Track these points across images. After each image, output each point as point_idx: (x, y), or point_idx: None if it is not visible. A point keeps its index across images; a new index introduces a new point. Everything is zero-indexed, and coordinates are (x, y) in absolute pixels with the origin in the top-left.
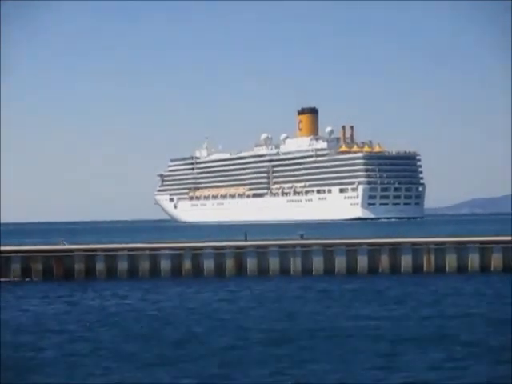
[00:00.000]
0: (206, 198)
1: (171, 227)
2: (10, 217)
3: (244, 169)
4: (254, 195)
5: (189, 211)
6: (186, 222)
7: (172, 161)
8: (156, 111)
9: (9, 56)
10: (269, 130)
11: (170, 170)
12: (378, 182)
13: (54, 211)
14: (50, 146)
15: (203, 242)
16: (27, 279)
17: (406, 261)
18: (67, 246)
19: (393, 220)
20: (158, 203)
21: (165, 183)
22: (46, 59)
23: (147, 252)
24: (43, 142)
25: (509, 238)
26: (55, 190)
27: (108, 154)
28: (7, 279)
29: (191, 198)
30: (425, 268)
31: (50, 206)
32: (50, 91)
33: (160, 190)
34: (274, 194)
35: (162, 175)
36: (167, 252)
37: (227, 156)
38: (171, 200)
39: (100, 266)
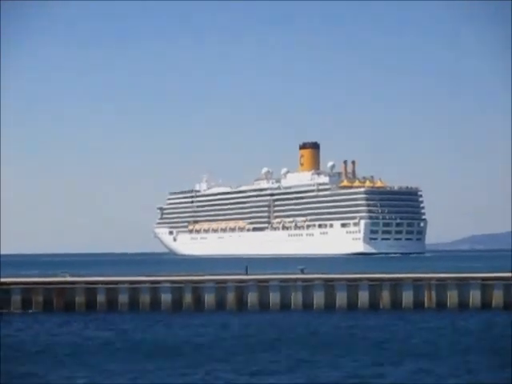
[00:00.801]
0: (206, 231)
1: (171, 260)
2: (7, 248)
3: (244, 202)
4: (255, 229)
5: (188, 244)
6: (185, 255)
7: (171, 194)
8: (155, 144)
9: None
10: (269, 164)
11: (170, 203)
12: (380, 217)
13: (52, 243)
14: (49, 178)
15: (204, 275)
16: (29, 311)
17: (407, 297)
18: (68, 279)
19: (394, 255)
20: (157, 236)
21: (164, 216)
22: (43, 66)
23: (148, 285)
24: (42, 176)
25: (510, 275)
26: (52, 222)
27: (107, 187)
28: (7, 311)
29: (190, 232)
30: (426, 304)
31: (47, 238)
32: (43, 120)
33: (159, 223)
34: (275, 228)
35: (161, 208)
36: (168, 285)
37: (227, 189)
38: (170, 233)
39: (101, 298)
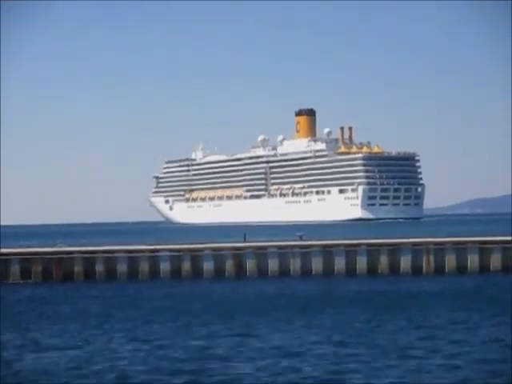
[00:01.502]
0: (202, 199)
1: (168, 229)
2: (7, 219)
3: (241, 170)
4: (251, 197)
5: (185, 213)
6: (181, 224)
7: (167, 163)
8: (151, 113)
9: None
10: (265, 131)
11: (165, 172)
12: (378, 182)
13: (47, 213)
14: (46, 149)
15: (202, 243)
16: (28, 281)
17: (405, 261)
18: (66, 248)
19: (392, 220)
20: (152, 205)
21: (160, 185)
22: (42, 61)
23: (146, 254)
24: (40, 145)
25: (508, 238)
26: (49, 192)
27: (102, 156)
28: (6, 281)
29: (187, 200)
30: (424, 268)
31: (44, 208)
32: (47, 92)
33: (155, 192)
34: (272, 196)
35: (157, 177)
36: (166, 254)
37: (223, 158)
38: (166, 202)
39: (99, 267)
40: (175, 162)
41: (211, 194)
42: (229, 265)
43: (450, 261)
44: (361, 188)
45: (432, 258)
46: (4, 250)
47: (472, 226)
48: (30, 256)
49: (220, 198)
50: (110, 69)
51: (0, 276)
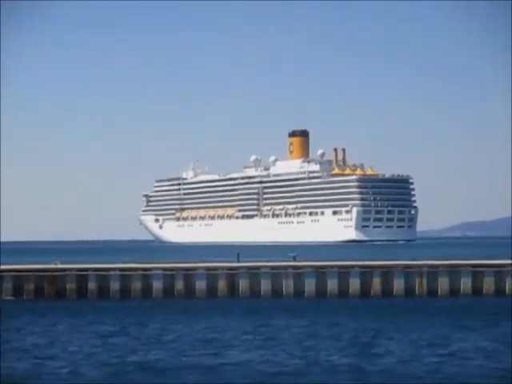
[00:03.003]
0: (193, 218)
1: (158, 247)
2: None
3: (233, 190)
4: (244, 216)
5: (175, 232)
6: (171, 243)
7: (157, 181)
8: (142, 131)
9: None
10: (257, 152)
11: (156, 191)
12: (372, 204)
13: (35, 231)
14: (35, 165)
15: (195, 262)
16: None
17: (398, 283)
18: (59, 266)
19: (385, 242)
20: (142, 223)
21: (150, 204)
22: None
23: (139, 272)
24: (28, 161)
25: (501, 262)
26: (38, 210)
27: (92, 174)
28: None
29: (177, 219)
30: (417, 291)
31: (32, 225)
32: (37, 107)
33: (145, 211)
34: (265, 216)
35: (147, 195)
36: (159, 272)
37: (215, 177)
38: (156, 220)
39: (92, 285)
40: (166, 180)
41: (202, 213)
42: (221, 284)
43: (443, 283)
44: (355, 210)
45: (425, 280)
46: None
47: (464, 249)
48: (23, 273)
49: (211, 217)
50: (101, 86)
51: None
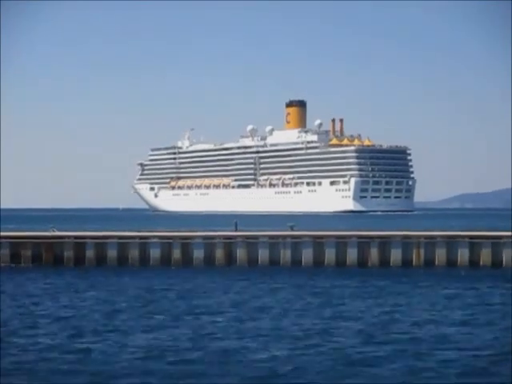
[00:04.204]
0: (189, 187)
1: (154, 216)
2: None
3: (229, 160)
4: (240, 186)
5: (170, 200)
6: (167, 212)
7: (153, 150)
8: (138, 100)
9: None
10: (253, 122)
11: (151, 160)
12: (370, 175)
13: (31, 198)
14: (32, 134)
15: (193, 231)
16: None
17: (395, 254)
18: (57, 233)
19: (383, 213)
20: (136, 192)
21: (145, 172)
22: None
23: (137, 240)
24: (27, 129)
25: (498, 234)
26: (34, 177)
27: (88, 142)
28: None
29: (173, 188)
30: (414, 262)
31: (27, 194)
32: (37, 80)
33: (140, 179)
34: (261, 186)
35: (142, 164)
36: (157, 241)
37: (211, 147)
38: (152, 189)
39: (90, 253)
40: (161, 149)
41: (198, 182)
42: (219, 253)
43: (440, 254)
44: (353, 180)
45: (422, 251)
46: None
47: (462, 220)
48: (21, 240)
49: (207, 186)
50: (99, 56)
51: None
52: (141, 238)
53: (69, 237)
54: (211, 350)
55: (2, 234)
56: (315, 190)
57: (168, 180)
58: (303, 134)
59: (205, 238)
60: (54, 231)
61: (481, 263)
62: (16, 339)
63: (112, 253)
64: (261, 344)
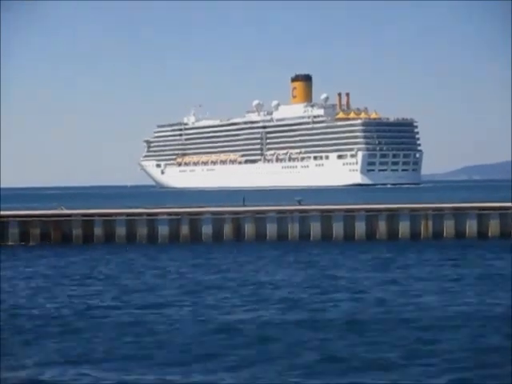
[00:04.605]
0: (195, 164)
1: (161, 193)
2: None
3: (236, 135)
4: (247, 161)
5: (177, 177)
6: (173, 188)
7: (159, 127)
8: (143, 77)
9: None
10: (259, 97)
11: (157, 136)
12: (377, 148)
13: (38, 177)
14: (36, 112)
15: (201, 207)
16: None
17: (403, 227)
18: (65, 211)
19: (391, 186)
20: (143, 169)
21: (151, 149)
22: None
23: (145, 217)
24: (32, 107)
25: (507, 205)
26: (39, 156)
27: (93, 119)
28: (5, 244)
29: (179, 164)
30: (422, 234)
31: (33, 172)
32: (42, 61)
33: (146, 156)
34: (268, 160)
35: (148, 141)
36: (165, 217)
37: (217, 122)
38: (158, 166)
39: (98, 231)
40: (167, 126)
41: (204, 158)
42: (227, 229)
43: (449, 226)
44: (360, 153)
45: (430, 223)
46: (2, 213)
47: (470, 192)
48: (29, 218)
49: (214, 162)
50: (104, 32)
51: None
52: (149, 214)
53: (76, 214)
54: None
55: (10, 212)
56: (322, 164)
57: (174, 157)
58: (309, 109)
59: (213, 213)
60: (62, 209)
61: (489, 234)
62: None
63: (120, 230)
64: None
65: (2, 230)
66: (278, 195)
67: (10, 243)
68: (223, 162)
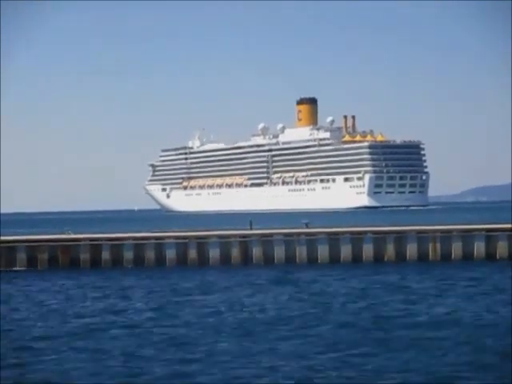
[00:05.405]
0: (201, 187)
1: (167, 217)
2: (3, 207)
3: (242, 158)
4: (252, 185)
5: (183, 201)
6: (179, 212)
7: (163, 151)
8: (148, 101)
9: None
10: (263, 120)
11: (162, 160)
12: (384, 170)
13: (43, 202)
14: (43, 137)
15: (208, 230)
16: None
17: (411, 249)
18: (73, 236)
19: (398, 208)
20: (148, 193)
21: (156, 173)
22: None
23: (152, 241)
24: (38, 132)
25: None
26: (45, 181)
27: (97, 144)
28: (12, 268)
29: (185, 188)
30: (430, 256)
31: (40, 196)
32: (45, 83)
33: (151, 180)
34: (274, 184)
35: (153, 165)
36: (172, 241)
37: (222, 146)
38: (163, 190)
39: (106, 255)
40: (172, 150)
41: (210, 182)
42: (235, 252)
43: (457, 248)
44: (367, 176)
45: (438, 245)
46: (10, 238)
47: (477, 213)
48: (37, 243)
49: (219, 186)
50: (108, 55)
51: (6, 263)
52: (156, 238)
53: (84, 239)
54: None
55: (18, 237)
56: (329, 187)
57: (180, 180)
58: (315, 132)
59: (220, 237)
60: (69, 234)
61: (498, 256)
62: None
63: (128, 254)
64: None
65: (9, 255)
66: (284, 218)
67: (17, 268)
68: (229, 186)
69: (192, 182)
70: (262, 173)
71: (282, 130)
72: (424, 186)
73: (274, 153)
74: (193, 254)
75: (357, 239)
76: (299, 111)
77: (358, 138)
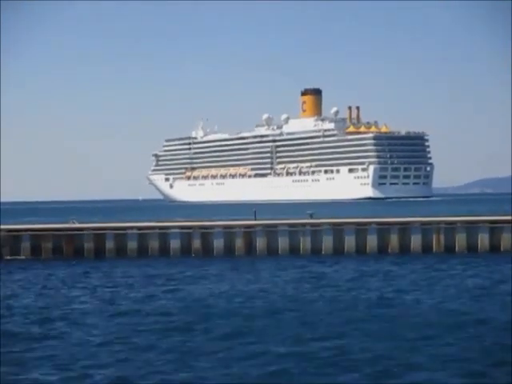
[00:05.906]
0: (204, 177)
1: (172, 207)
2: (6, 196)
3: (245, 149)
4: (256, 175)
5: (186, 191)
6: (182, 202)
7: (167, 141)
8: (152, 91)
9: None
10: (268, 111)
11: (166, 150)
12: (389, 161)
13: (48, 191)
14: (47, 126)
15: (212, 221)
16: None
17: (415, 240)
18: (77, 225)
19: (402, 200)
20: (151, 183)
21: (160, 163)
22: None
23: (157, 231)
24: (41, 122)
25: None
26: (50, 170)
27: (102, 134)
28: (17, 257)
29: (188, 178)
30: (434, 248)
31: (43, 185)
32: (49, 73)
33: (154, 170)
34: (278, 174)
35: (156, 155)
36: (177, 231)
37: (226, 136)
38: (167, 180)
39: (110, 244)
40: (175, 140)
41: (214, 172)
42: (239, 242)
43: (461, 240)
44: (372, 167)
45: (442, 237)
46: (15, 227)
47: (482, 205)
48: (41, 232)
49: (223, 176)
50: (111, 46)
51: (11, 252)
52: (160, 228)
53: (88, 228)
54: None
55: (23, 226)
56: (333, 178)
57: (183, 170)
58: (320, 122)
59: (225, 227)
60: (74, 223)
61: (502, 248)
62: None
63: (132, 244)
64: None
65: (14, 244)
66: (288, 209)
67: (21, 257)
68: (233, 176)
69: (195, 173)
70: (266, 163)
71: (286, 120)
72: (428, 177)
73: (277, 143)
74: (197, 243)
75: (361, 230)
76: (303, 102)
77: (362, 129)
